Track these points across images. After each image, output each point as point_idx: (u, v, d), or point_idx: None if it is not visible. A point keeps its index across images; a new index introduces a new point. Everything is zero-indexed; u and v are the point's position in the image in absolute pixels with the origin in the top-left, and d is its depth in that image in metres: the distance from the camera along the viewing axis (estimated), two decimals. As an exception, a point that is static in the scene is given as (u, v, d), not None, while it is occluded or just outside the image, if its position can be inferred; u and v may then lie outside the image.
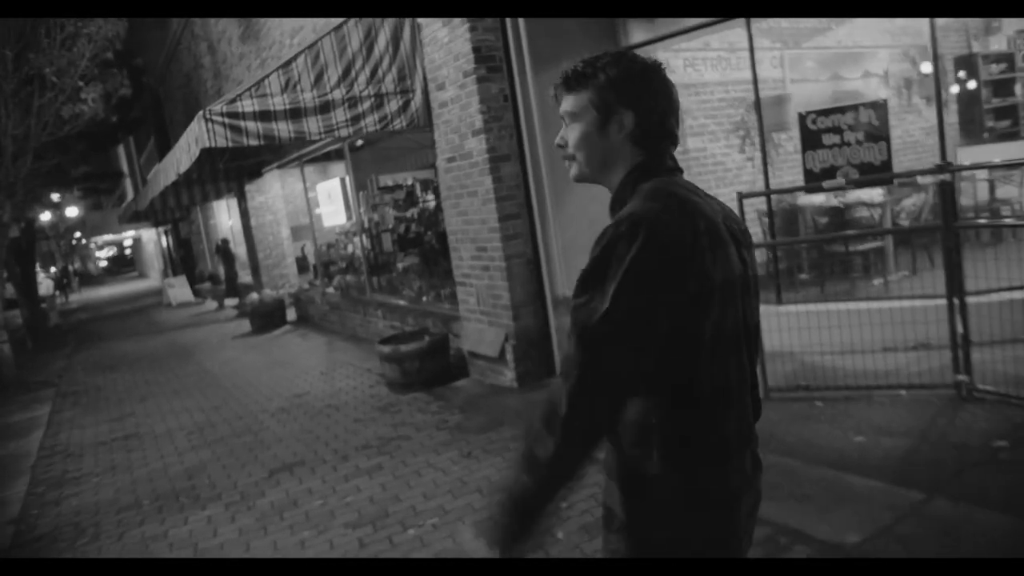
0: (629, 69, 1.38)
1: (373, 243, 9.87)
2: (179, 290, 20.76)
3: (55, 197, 24.48)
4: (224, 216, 18.82)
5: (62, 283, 34.61)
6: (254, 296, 12.33)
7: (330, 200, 10.41)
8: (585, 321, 1.26)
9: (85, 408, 8.36)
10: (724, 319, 1.32)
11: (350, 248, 11.36)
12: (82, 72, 9.58)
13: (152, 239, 34.75)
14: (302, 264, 13.83)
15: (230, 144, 5.62)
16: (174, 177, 7.63)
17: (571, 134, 1.44)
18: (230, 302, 17.05)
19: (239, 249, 17.22)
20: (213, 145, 5.57)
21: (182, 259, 24.69)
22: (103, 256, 62.27)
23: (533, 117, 5.97)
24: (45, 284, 33.67)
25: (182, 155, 6.61)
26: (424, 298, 8.34)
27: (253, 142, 5.69)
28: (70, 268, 41.77)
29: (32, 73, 9.16)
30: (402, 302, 8.68)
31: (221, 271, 17.88)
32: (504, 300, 6.06)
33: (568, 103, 1.43)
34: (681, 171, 1.45)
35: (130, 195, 27.81)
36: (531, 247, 6.10)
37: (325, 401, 6.73)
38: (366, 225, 9.91)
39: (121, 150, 28.81)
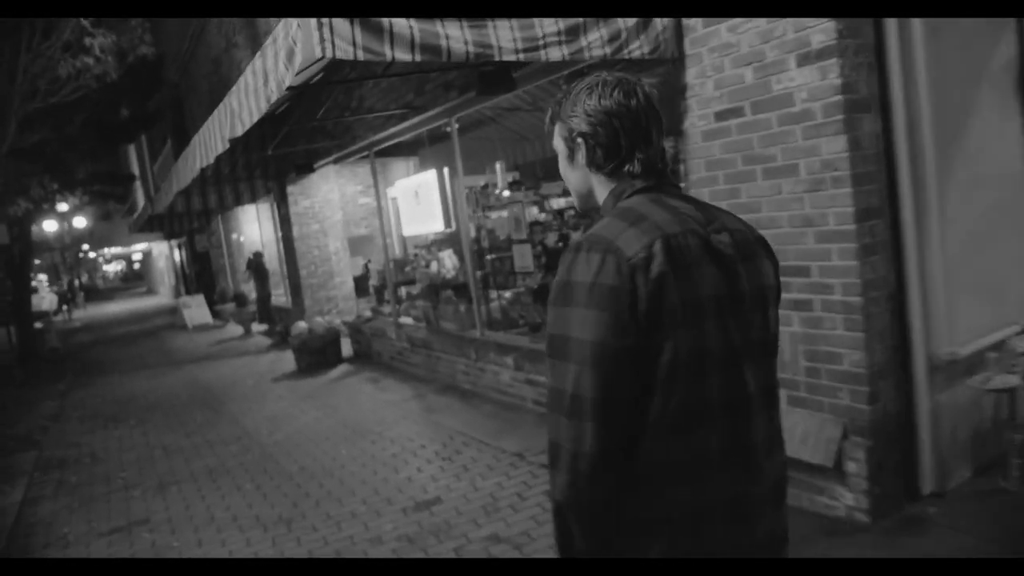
0: (577, 94, 1.39)
1: (482, 260, 7.12)
2: (196, 311, 18.05)
3: (62, 207, 21.94)
4: (253, 225, 16.12)
5: (67, 298, 32.03)
6: (301, 326, 9.57)
7: (418, 201, 7.70)
8: (560, 350, 1.25)
9: (73, 496, 5.57)
10: (698, 339, 1.25)
11: (434, 266, 8.62)
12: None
13: (163, 253, 32.12)
14: (361, 285, 11.07)
15: (360, 56, 2.88)
16: (220, 149, 4.92)
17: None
18: (258, 327, 14.32)
19: (271, 265, 14.53)
20: (330, 56, 2.83)
21: (197, 275, 21.96)
22: (112, 270, 59.94)
23: (913, 34, 3.24)
24: (49, 299, 31.11)
25: (249, 99, 3.88)
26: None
27: (403, 55, 2.95)
28: (75, 282, 39.21)
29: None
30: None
31: (250, 290, 15.18)
32: (846, 364, 3.28)
33: (552, 136, 1.47)
34: (672, 184, 1.41)
35: (141, 204, 25.25)
36: (894, 270, 3.33)
37: (480, 527, 3.93)
38: (472, 235, 7.16)
39: (132, 152, 26.17)
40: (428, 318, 8.08)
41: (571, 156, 1.42)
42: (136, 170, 26.10)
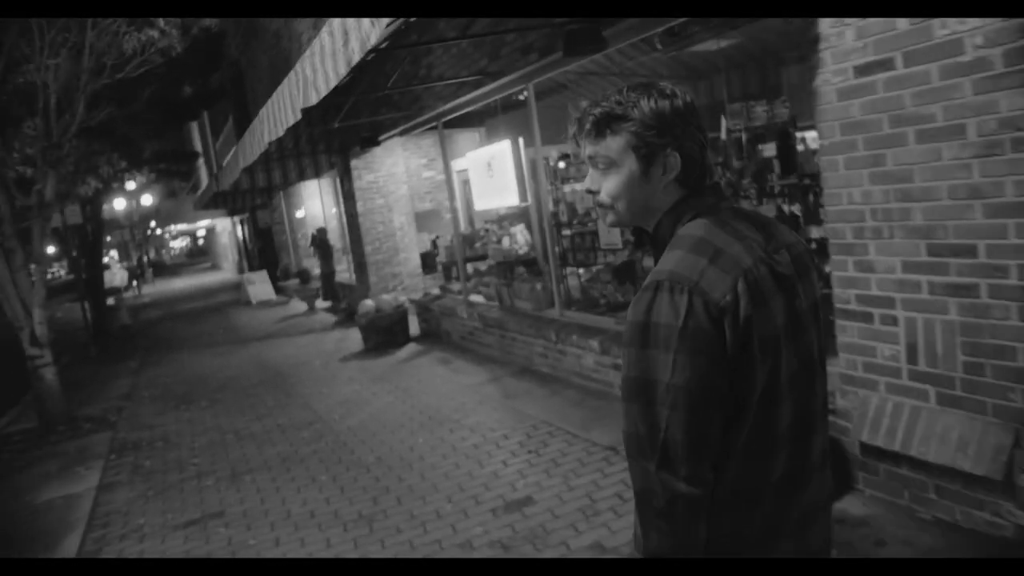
0: (666, 105, 1.28)
1: (558, 235, 6.73)
2: (260, 287, 18.16)
3: (131, 185, 22.30)
4: (316, 201, 16.06)
5: (137, 274, 32.95)
6: (369, 304, 9.35)
7: (491, 174, 7.31)
8: (642, 394, 1.22)
9: (147, 483, 5.46)
10: (774, 372, 1.25)
11: (506, 242, 8.27)
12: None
13: (226, 229, 32.68)
14: (428, 261, 10.81)
15: None
16: (291, 120, 4.62)
17: (609, 182, 1.34)
18: (321, 304, 14.27)
19: (335, 241, 14.43)
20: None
21: (260, 251, 22.16)
22: (177, 246, 61.62)
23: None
24: (120, 275, 32.01)
25: (326, 63, 3.53)
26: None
27: None
28: (144, 259, 40.35)
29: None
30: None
31: (313, 266, 15.13)
32: (1021, 360, 2.79)
33: (601, 148, 1.32)
34: (725, 198, 1.36)
35: (204, 182, 25.56)
36: (1083, 247, 2.80)
37: (580, 533, 3.58)
38: (552, 208, 6.77)
39: (195, 130, 26.47)
40: (501, 296, 7.75)
41: (646, 170, 1.30)
42: (199, 148, 26.41)
